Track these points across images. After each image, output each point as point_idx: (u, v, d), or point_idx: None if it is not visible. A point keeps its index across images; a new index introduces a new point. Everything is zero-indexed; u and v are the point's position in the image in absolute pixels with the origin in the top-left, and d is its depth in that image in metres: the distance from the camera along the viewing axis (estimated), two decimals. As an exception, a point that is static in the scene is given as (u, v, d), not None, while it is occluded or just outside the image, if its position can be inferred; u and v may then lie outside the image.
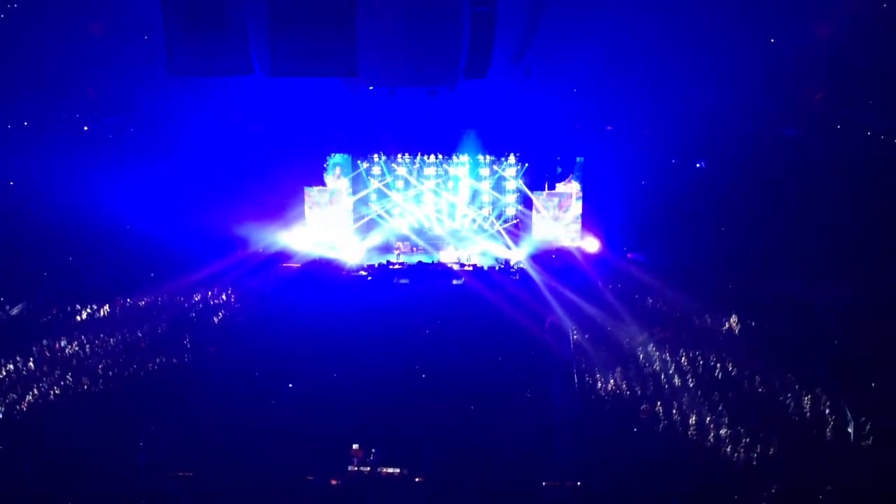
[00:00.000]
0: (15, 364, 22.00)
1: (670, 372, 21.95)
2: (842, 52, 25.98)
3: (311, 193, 33.27)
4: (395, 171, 33.67)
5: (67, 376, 21.44)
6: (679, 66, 27.24)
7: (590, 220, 32.64)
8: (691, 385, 21.07)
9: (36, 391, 20.58)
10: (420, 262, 31.86)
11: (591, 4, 24.20)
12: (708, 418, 19.19)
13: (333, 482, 17.20)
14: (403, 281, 30.35)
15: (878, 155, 27.07)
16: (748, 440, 18.06)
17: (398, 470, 17.49)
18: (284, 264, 31.33)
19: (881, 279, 24.33)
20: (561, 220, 32.80)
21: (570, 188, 32.51)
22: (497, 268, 31.41)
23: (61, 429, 18.55)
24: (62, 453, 17.29)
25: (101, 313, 26.27)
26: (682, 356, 22.76)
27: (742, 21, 25.85)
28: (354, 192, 33.85)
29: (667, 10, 25.40)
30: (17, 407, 19.92)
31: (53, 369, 21.96)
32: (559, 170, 31.88)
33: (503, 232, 33.69)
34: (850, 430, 18.43)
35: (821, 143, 28.10)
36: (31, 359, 22.39)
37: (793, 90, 27.80)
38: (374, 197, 34.06)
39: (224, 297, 27.92)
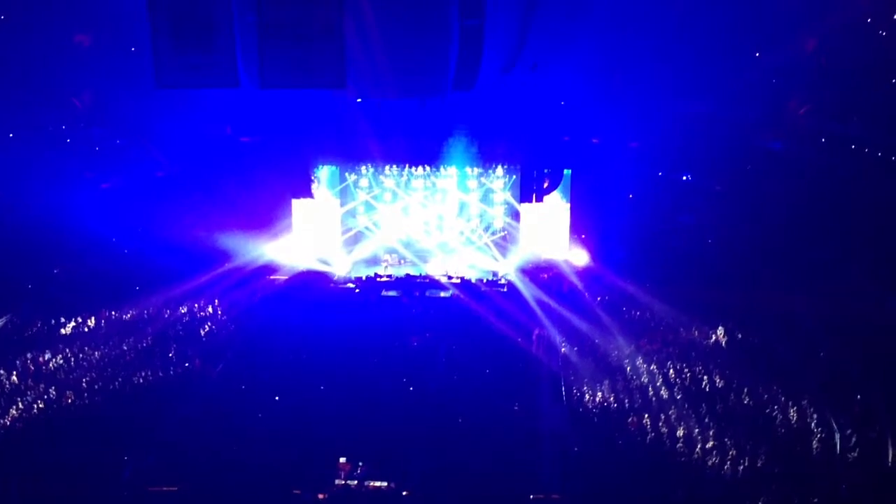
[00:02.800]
0: (-2, 377, 21.80)
1: (657, 384, 21.97)
2: (827, 64, 26.21)
3: (299, 205, 33.19)
4: (382, 183, 33.67)
5: (51, 390, 21.23)
6: (666, 79, 27.40)
7: (577, 233, 32.70)
8: (678, 397, 21.10)
9: (20, 405, 20.36)
10: (408, 275, 31.83)
11: (580, 18, 24.32)
12: (695, 431, 19.22)
13: (321, 496, 17.12)
14: (391, 293, 30.31)
15: (863, 167, 27.26)
16: (735, 452, 18.09)
17: (386, 483, 17.42)
18: (271, 276, 31.21)
19: (867, 291, 24.45)
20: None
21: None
22: (485, 280, 31.42)
23: (45, 443, 18.35)
24: (46, 468, 17.11)
25: (87, 326, 26.06)
26: (670, 368, 22.81)
27: (728, 35, 26.04)
28: (342, 205, 33.79)
29: (654, 25, 25.57)
30: (0, 421, 19.70)
31: (37, 383, 21.73)
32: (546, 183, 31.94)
33: (491, 244, 33.72)
34: (836, 442, 18.49)
35: (807, 155, 28.28)
36: (15, 372, 22.15)
37: (778, 103, 28.00)
38: (361, 209, 34.03)
39: (210, 309, 27.76)
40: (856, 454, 17.97)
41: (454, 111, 28.45)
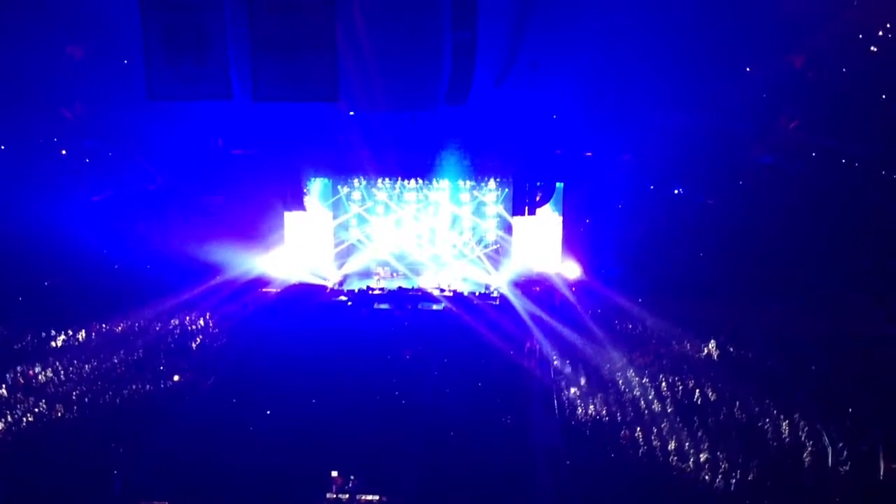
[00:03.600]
0: (-13, 391, 21.63)
1: (650, 397, 21.96)
2: (818, 78, 26.41)
3: (291, 218, 33.15)
4: (375, 196, 33.67)
5: (41, 403, 21.06)
6: (658, 92, 27.51)
7: (570, 246, 32.73)
8: (670, 411, 21.08)
9: (9, 418, 20.19)
10: (400, 288, 31.80)
11: (571, 32, 24.44)
12: (687, 444, 19.19)
13: (312, 510, 17.04)
14: (383, 306, 30.27)
15: (854, 180, 27.41)
16: (727, 466, 18.06)
17: (378, 497, 17.33)
18: (263, 289, 31.13)
19: (858, 304, 24.54)
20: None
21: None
22: (477, 293, 31.40)
23: (35, 457, 18.20)
24: (36, 482, 16.96)
25: (77, 339, 25.90)
26: (662, 382, 22.80)
27: (719, 49, 26.20)
28: (335, 217, 33.77)
29: (647, 38, 25.70)
30: (-10, 434, 19.57)
31: (27, 396, 21.55)
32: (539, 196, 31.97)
33: (483, 257, 33.71)
34: (828, 455, 18.49)
35: (797, 168, 28.43)
36: (4, 386, 21.97)
37: (769, 117, 28.16)
38: (354, 222, 34.01)
39: (202, 322, 27.65)
40: (847, 467, 17.97)
41: (446, 124, 28.51)
